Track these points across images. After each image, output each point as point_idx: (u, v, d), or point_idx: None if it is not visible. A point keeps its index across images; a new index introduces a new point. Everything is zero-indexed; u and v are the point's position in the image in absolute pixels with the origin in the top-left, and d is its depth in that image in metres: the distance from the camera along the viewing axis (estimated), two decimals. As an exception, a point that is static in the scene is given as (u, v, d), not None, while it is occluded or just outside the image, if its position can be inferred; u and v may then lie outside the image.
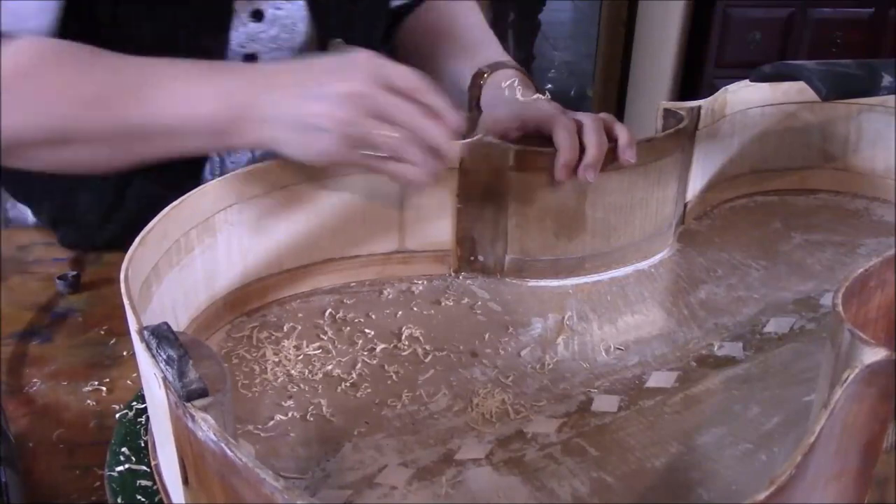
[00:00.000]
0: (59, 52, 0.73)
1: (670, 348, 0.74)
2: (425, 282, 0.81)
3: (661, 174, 0.83)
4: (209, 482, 0.47)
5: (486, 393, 0.67)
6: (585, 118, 0.79)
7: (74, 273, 0.83)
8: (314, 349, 0.71)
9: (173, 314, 0.66)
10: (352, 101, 0.65)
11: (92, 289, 0.83)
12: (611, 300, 0.80)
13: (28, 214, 0.98)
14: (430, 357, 0.72)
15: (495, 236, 0.81)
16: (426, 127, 0.67)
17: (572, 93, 3.11)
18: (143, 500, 0.57)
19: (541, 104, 0.82)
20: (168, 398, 0.48)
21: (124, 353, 0.74)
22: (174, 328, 0.51)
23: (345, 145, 0.66)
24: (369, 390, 0.68)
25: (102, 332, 0.77)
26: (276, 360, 0.70)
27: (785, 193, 1.00)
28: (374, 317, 0.76)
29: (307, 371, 0.69)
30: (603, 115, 0.81)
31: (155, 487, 0.58)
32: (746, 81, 0.90)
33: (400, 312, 0.77)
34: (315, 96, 0.66)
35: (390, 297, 0.79)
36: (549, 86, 3.12)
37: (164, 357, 0.48)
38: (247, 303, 0.75)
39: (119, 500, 0.57)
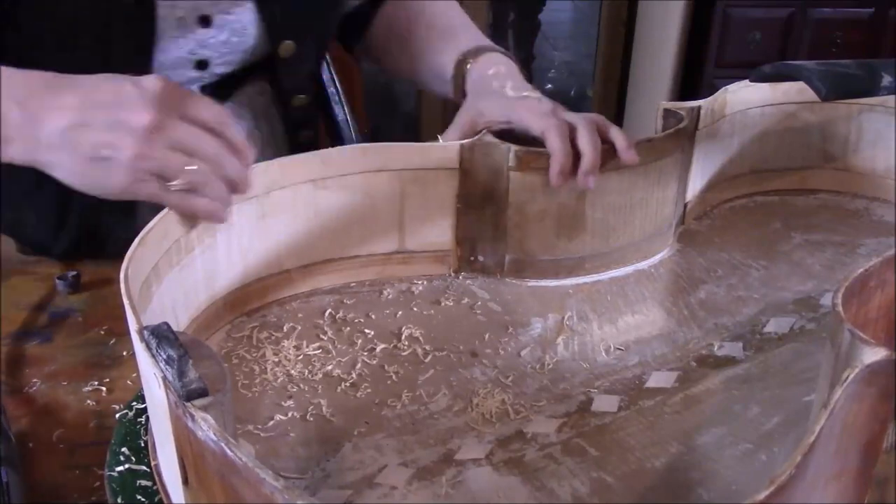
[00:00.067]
0: None
1: (670, 348, 0.74)
2: (425, 282, 0.81)
3: (660, 174, 0.83)
4: (209, 482, 0.47)
5: (486, 393, 0.67)
6: (577, 120, 0.77)
7: (74, 273, 0.83)
8: (314, 349, 0.71)
9: (173, 314, 0.66)
10: (147, 133, 0.61)
11: (92, 289, 0.83)
12: (611, 300, 0.80)
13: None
14: (430, 357, 0.72)
15: (495, 236, 0.81)
16: (226, 160, 0.64)
17: (572, 93, 3.11)
18: (143, 500, 0.57)
19: (531, 104, 0.80)
20: (168, 398, 0.48)
21: (124, 353, 0.74)
22: (174, 328, 0.51)
23: (138, 179, 0.62)
24: (369, 390, 0.68)
25: (102, 332, 0.77)
26: (276, 360, 0.70)
27: (785, 193, 1.00)
28: (374, 317, 0.76)
29: (307, 371, 0.69)
30: (594, 115, 0.80)
31: (155, 487, 0.58)
32: (746, 81, 0.90)
33: (400, 312, 0.77)
34: (105, 125, 0.61)
35: (390, 297, 0.79)
36: (549, 86, 3.12)
37: (164, 357, 0.48)
38: (247, 303, 0.75)
39: (119, 500, 0.57)
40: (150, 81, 0.63)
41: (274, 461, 0.60)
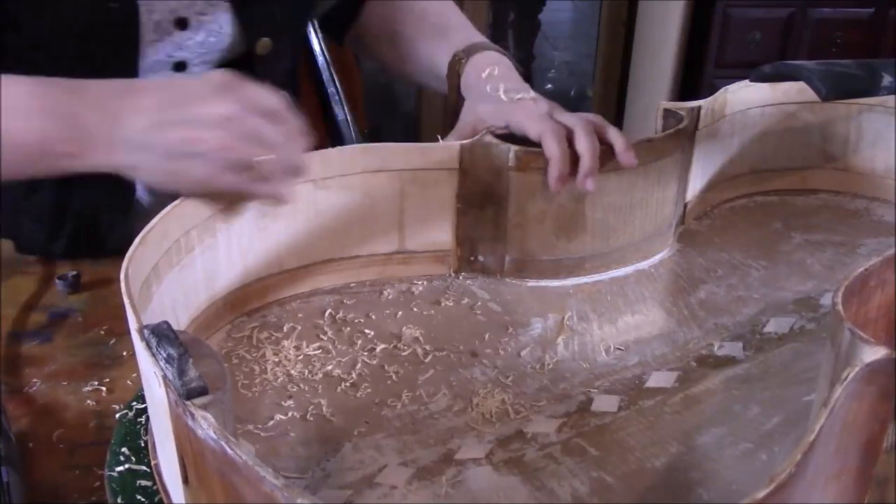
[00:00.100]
0: None
1: (670, 348, 0.74)
2: (425, 282, 0.81)
3: (660, 174, 0.83)
4: (209, 481, 0.47)
5: (486, 393, 0.67)
6: (575, 122, 0.77)
7: (74, 273, 0.83)
8: (314, 349, 0.72)
9: (173, 314, 0.66)
10: (227, 125, 0.62)
11: (92, 289, 0.83)
12: (611, 300, 0.80)
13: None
14: (430, 357, 0.72)
15: (495, 236, 0.81)
16: (291, 146, 0.65)
17: (572, 93, 3.11)
18: (143, 500, 0.57)
19: (527, 107, 0.79)
20: (168, 396, 0.48)
21: (124, 353, 0.74)
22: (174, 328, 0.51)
23: (223, 171, 0.63)
24: (369, 390, 0.68)
25: (102, 332, 0.77)
26: (276, 360, 0.70)
27: (785, 193, 1.00)
28: (374, 317, 0.76)
29: (307, 371, 0.69)
30: (591, 116, 0.79)
31: (155, 487, 0.58)
32: (746, 81, 0.90)
33: (400, 313, 0.77)
34: (185, 121, 0.62)
35: (390, 297, 0.79)
36: (549, 86, 3.12)
37: (164, 355, 0.48)
38: (247, 303, 0.75)
39: (119, 500, 0.57)
40: (215, 75, 0.65)
41: (274, 461, 0.60)
